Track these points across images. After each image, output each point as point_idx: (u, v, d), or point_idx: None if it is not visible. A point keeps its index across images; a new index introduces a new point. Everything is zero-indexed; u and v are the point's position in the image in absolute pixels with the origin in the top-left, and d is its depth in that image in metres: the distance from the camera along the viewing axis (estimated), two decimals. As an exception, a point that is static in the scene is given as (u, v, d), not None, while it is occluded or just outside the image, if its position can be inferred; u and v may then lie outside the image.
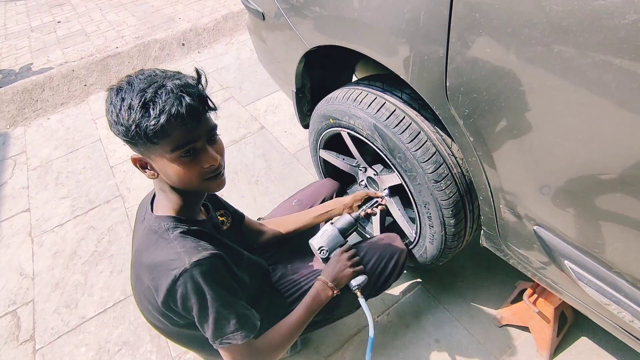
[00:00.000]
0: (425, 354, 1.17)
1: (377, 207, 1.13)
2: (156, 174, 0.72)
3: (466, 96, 0.68)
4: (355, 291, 0.96)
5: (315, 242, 1.02)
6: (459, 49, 0.64)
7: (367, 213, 1.11)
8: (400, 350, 1.19)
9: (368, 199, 1.16)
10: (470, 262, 1.40)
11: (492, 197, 0.78)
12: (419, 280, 1.37)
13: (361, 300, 0.95)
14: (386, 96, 0.99)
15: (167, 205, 0.77)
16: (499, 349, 1.17)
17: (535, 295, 1.09)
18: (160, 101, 0.62)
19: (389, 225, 1.35)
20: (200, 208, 0.86)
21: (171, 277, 0.67)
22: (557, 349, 1.14)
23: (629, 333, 0.71)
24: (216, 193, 0.98)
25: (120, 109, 0.63)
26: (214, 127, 0.72)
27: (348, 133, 1.11)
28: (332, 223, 1.05)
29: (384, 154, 1.00)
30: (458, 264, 1.39)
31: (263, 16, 1.23)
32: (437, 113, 0.77)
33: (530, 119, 0.60)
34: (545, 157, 0.62)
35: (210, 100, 0.70)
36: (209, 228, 0.84)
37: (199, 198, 0.82)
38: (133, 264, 0.78)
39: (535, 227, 0.72)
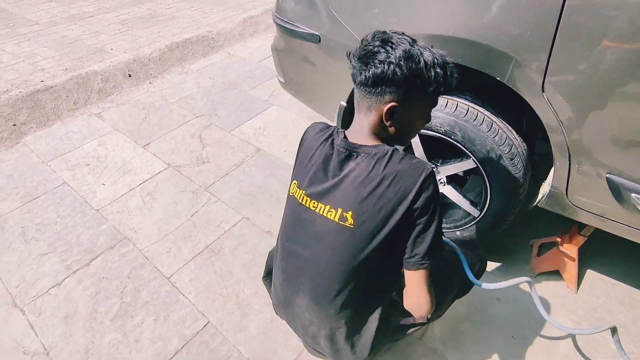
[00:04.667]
0: (494, 315, 1.39)
1: None
2: (393, 126, 0.81)
3: (558, 86, 0.95)
4: None
5: None
6: (559, 53, 0.91)
7: None
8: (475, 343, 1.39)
9: None
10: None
11: (570, 161, 1.06)
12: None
13: None
14: (454, 98, 1.22)
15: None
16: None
17: (563, 242, 1.42)
18: (449, 67, 0.79)
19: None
20: None
21: (423, 176, 0.76)
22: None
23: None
24: None
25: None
26: None
27: (419, 134, 1.30)
28: None
29: (462, 145, 1.21)
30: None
31: (319, 39, 1.35)
32: (529, 103, 1.03)
33: (604, 97, 0.89)
34: (616, 120, 0.92)
35: None
36: None
37: None
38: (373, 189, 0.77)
39: (607, 175, 1.02)
